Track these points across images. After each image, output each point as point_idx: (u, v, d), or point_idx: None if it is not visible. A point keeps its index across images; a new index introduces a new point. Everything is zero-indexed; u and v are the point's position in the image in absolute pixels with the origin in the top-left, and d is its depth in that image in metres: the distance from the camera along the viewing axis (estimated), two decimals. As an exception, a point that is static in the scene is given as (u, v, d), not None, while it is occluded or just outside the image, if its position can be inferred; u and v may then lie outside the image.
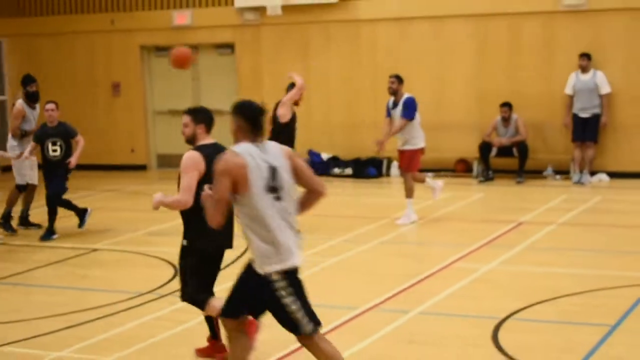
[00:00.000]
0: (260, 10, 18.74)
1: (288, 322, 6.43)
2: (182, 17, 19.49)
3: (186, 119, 7.71)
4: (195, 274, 7.70)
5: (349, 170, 18.50)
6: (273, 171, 6.32)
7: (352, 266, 11.32)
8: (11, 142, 14.02)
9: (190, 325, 8.86)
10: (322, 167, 18.31)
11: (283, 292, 6.35)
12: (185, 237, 7.72)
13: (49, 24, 20.64)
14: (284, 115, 12.32)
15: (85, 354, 8.29)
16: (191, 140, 7.72)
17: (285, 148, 6.60)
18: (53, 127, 13.24)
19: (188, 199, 7.42)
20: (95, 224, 14.07)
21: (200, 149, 7.57)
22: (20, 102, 14.02)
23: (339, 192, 16.14)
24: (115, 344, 8.48)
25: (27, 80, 14.17)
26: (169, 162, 19.61)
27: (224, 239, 7.65)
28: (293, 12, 18.49)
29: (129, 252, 12.47)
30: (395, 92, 13.50)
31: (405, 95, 13.44)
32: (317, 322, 6.45)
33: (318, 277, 10.40)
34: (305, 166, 6.59)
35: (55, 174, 13.25)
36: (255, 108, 6.52)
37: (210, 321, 7.86)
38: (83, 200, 16.28)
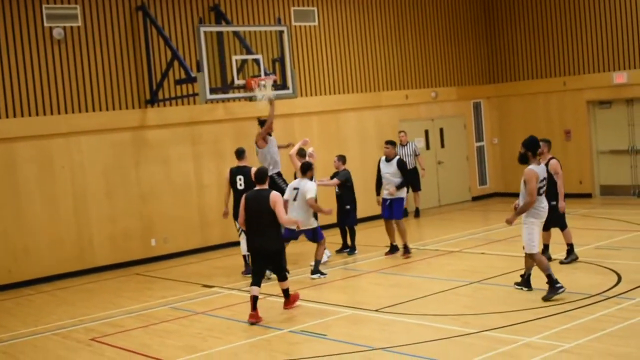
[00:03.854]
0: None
1: None
2: (620, 77, 18.72)
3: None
4: None
5: None
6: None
7: None
8: None
9: (636, 321, 8.53)
10: None
11: None
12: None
13: (516, 88, 20.97)
14: None
15: (550, 340, 8.20)
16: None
17: None
18: None
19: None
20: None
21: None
22: None
23: None
24: (573, 333, 8.35)
25: None
26: (611, 191, 18.96)
27: None
28: None
29: (582, 262, 11.79)
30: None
31: None
32: None
33: None
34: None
35: None
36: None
37: None
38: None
